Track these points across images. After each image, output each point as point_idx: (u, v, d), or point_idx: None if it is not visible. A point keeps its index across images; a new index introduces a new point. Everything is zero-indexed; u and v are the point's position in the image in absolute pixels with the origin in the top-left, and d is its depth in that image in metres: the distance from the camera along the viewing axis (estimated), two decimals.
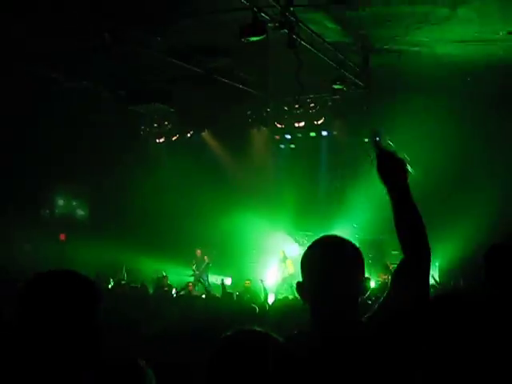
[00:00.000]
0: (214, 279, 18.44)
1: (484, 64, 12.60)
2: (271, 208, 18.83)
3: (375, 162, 2.58)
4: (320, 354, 2.38)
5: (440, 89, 14.42)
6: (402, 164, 2.58)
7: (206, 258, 18.76)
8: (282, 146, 19.30)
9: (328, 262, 2.48)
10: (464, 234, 14.06)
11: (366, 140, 14.72)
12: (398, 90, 15.01)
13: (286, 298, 12.44)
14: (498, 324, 2.43)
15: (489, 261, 3.91)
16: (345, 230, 18.87)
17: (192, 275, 18.67)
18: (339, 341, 2.40)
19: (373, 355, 2.36)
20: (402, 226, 2.55)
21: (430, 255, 2.54)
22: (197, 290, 15.66)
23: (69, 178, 20.53)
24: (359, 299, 2.48)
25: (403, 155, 2.62)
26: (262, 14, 9.33)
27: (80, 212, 21.86)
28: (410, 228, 2.53)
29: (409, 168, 2.59)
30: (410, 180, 2.58)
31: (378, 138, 2.59)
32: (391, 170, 2.57)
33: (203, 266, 18.74)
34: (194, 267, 18.82)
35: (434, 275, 13.61)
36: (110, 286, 13.87)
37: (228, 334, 1.83)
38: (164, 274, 17.67)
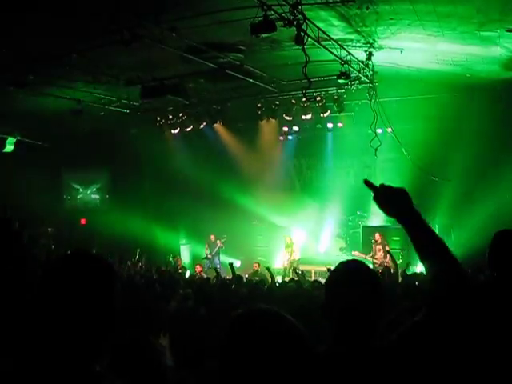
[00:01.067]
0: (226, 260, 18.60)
1: (483, 60, 12.53)
2: (279, 195, 18.90)
3: (376, 201, 2.48)
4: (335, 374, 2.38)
5: (441, 83, 14.37)
6: (401, 192, 2.46)
7: (218, 242, 18.85)
8: (290, 137, 19.31)
9: (350, 288, 2.50)
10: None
11: (369, 131, 14.74)
12: (401, 85, 14.98)
13: (292, 280, 12.56)
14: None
15: (492, 247, 3.90)
16: (349, 216, 18.97)
17: (204, 258, 18.80)
18: (355, 364, 2.40)
19: (387, 373, 2.36)
20: (424, 256, 2.41)
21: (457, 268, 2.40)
22: (206, 273, 15.76)
23: (88, 166, 20.68)
24: (378, 320, 2.51)
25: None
26: (272, 12, 9.33)
27: (99, 198, 21.95)
28: (433, 255, 2.39)
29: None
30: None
31: (370, 184, 2.49)
32: (391, 201, 2.46)
33: (216, 250, 18.85)
34: (207, 251, 18.93)
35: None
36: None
37: (240, 312, 1.82)
38: (178, 257, 17.80)
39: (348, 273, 2.59)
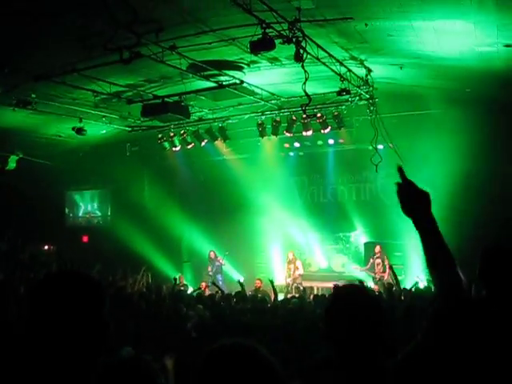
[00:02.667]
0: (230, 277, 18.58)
1: (482, 75, 12.54)
2: (281, 211, 18.87)
3: (398, 194, 2.45)
4: None
5: (441, 98, 14.37)
6: (425, 195, 2.44)
7: (219, 259, 18.79)
8: (292, 154, 19.31)
9: (350, 313, 2.48)
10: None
11: (370, 148, 14.73)
12: (401, 100, 15.01)
13: (294, 297, 12.49)
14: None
15: (483, 260, 3.88)
16: (351, 232, 18.93)
17: (206, 275, 18.75)
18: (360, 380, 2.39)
19: None
20: (432, 265, 2.41)
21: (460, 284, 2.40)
22: (210, 290, 15.71)
23: (90, 183, 20.71)
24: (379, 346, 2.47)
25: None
26: (271, 30, 9.36)
27: (101, 215, 21.96)
28: (441, 267, 2.38)
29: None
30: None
31: (402, 173, 2.44)
32: (415, 201, 2.43)
33: (217, 267, 18.78)
34: (208, 268, 18.87)
35: None
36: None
37: (215, 346, 1.81)
38: (180, 275, 17.74)
39: (347, 300, 2.55)
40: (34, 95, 13.23)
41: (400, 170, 2.45)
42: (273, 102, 15.49)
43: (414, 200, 2.42)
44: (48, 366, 1.88)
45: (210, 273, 18.72)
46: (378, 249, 16.77)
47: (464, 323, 2.41)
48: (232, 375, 1.69)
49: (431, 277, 2.41)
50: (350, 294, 2.59)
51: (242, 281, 14.17)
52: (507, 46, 10.48)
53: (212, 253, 18.95)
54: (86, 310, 1.97)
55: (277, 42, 9.48)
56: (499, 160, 14.77)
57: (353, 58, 12.13)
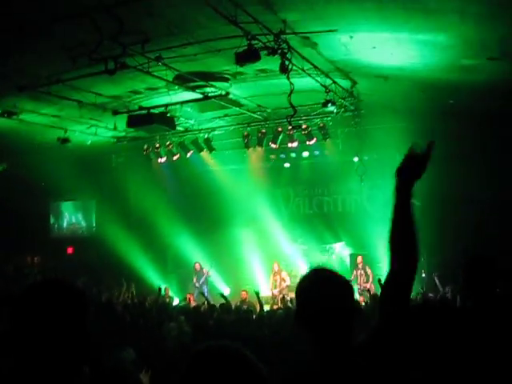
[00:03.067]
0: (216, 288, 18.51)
1: (466, 88, 12.67)
2: (267, 223, 18.87)
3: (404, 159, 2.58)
4: (320, 378, 2.38)
5: (425, 109, 14.48)
6: (421, 167, 2.57)
7: (205, 270, 18.73)
8: (277, 165, 19.33)
9: (321, 294, 2.48)
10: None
11: (355, 159, 14.82)
12: (386, 112, 15.11)
13: (280, 308, 12.47)
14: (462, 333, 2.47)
15: (466, 271, 3.95)
16: (336, 244, 18.97)
17: (193, 286, 18.67)
18: (337, 365, 2.39)
19: (369, 377, 2.34)
20: (396, 235, 2.53)
21: (416, 268, 2.52)
22: (196, 301, 15.64)
23: (75, 194, 20.61)
24: (352, 324, 2.47)
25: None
26: (257, 41, 9.40)
27: (86, 226, 21.85)
28: (405, 238, 2.52)
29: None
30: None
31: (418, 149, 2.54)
32: (410, 167, 2.57)
33: (203, 279, 18.71)
34: (194, 280, 18.81)
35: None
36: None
37: (200, 348, 1.80)
38: (166, 286, 17.65)
39: (319, 279, 2.55)
40: (18, 105, 13.17)
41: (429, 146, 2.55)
42: (258, 113, 15.53)
43: (410, 167, 2.56)
44: (31, 375, 1.86)
45: (196, 284, 18.65)
46: (359, 259, 16.82)
47: (447, 332, 2.44)
48: (218, 376, 1.68)
49: (390, 251, 2.49)
50: (322, 274, 2.58)
51: (225, 294, 14.13)
52: (490, 58, 10.60)
53: (197, 264, 18.90)
54: (70, 318, 1.96)
55: (262, 53, 9.52)
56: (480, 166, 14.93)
57: (338, 69, 12.19)
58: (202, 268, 18.82)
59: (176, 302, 16.09)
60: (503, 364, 3.08)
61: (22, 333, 1.92)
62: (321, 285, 2.50)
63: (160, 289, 15.16)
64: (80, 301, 2.03)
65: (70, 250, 21.15)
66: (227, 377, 1.68)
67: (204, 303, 12.62)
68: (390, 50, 10.59)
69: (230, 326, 9.67)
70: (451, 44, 10.01)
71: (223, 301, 12.29)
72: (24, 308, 1.95)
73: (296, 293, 2.56)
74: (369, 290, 13.87)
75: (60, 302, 1.97)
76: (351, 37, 9.91)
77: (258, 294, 12.86)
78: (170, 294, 17.41)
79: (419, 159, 2.54)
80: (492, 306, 3.71)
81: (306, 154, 17.92)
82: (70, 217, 22.02)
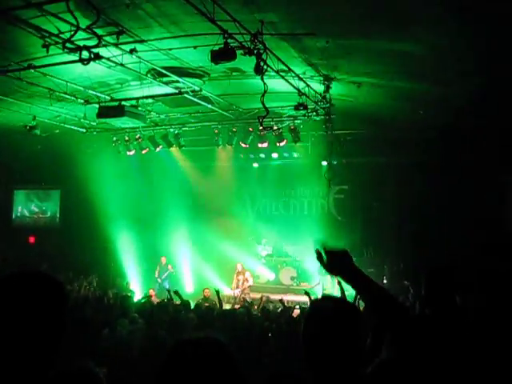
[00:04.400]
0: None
1: (435, 99, 12.87)
2: (232, 222, 18.90)
3: (322, 264, 2.66)
4: None
5: (395, 118, 14.67)
6: (343, 253, 2.65)
7: (170, 266, 18.66)
8: (246, 165, 19.38)
9: (324, 329, 2.42)
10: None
11: (324, 163, 14.94)
12: (357, 118, 15.26)
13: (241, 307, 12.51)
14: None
15: (427, 279, 4.06)
16: (305, 245, 19.09)
17: (155, 280, 18.58)
18: None
19: None
20: (372, 308, 2.62)
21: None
22: (158, 297, 15.55)
23: (41, 183, 20.33)
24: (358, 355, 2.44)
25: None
26: (233, 41, 9.39)
27: (50, 216, 21.56)
28: (380, 307, 2.58)
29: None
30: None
31: (320, 250, 2.66)
32: (335, 263, 2.64)
33: (166, 274, 18.63)
34: (156, 273, 18.72)
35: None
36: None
37: (180, 339, 1.81)
38: (127, 281, 17.55)
39: (324, 314, 2.50)
40: None
41: (318, 253, 2.65)
42: (230, 111, 15.52)
43: (336, 263, 2.63)
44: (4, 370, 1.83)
45: (158, 279, 18.57)
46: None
47: (414, 339, 2.51)
48: (195, 370, 1.69)
49: (380, 319, 2.61)
50: (326, 308, 2.53)
51: (189, 291, 14.09)
52: (462, 74, 10.82)
53: (163, 258, 18.85)
54: (48, 310, 1.92)
55: (238, 52, 9.52)
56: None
57: (312, 73, 12.26)
58: (167, 263, 18.76)
59: (138, 296, 15.95)
60: (459, 370, 3.16)
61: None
62: (327, 327, 2.44)
63: (128, 283, 15.10)
64: (59, 292, 2.00)
65: (31, 240, 20.84)
66: (207, 367, 1.69)
67: (168, 300, 12.56)
68: (364, 57, 10.70)
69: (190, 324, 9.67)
70: (425, 55, 10.16)
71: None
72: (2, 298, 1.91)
73: (303, 327, 2.50)
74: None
75: (40, 292, 1.94)
76: (327, 42, 9.98)
77: (218, 292, 12.87)
78: (132, 288, 17.29)
79: (335, 254, 2.64)
80: (450, 315, 3.80)
81: (275, 155, 18.01)
82: (34, 205, 21.70)
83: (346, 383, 2.38)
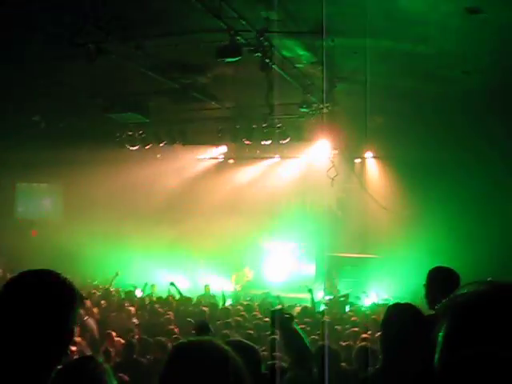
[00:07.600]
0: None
1: (441, 98, 12.87)
2: (235, 218, 18.88)
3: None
4: None
5: (398, 116, 14.66)
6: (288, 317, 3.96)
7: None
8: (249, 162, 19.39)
9: (400, 327, 3.13)
10: None
11: (328, 161, 14.92)
12: (360, 118, 15.22)
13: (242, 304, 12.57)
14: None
15: (429, 280, 4.13)
16: (301, 243, 19.14)
17: None
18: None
19: None
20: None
21: None
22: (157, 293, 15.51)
23: (42, 176, 20.35)
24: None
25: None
26: (239, 38, 9.41)
27: (52, 211, 21.59)
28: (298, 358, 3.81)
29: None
30: None
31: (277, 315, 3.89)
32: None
33: None
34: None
35: None
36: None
37: (180, 342, 1.84)
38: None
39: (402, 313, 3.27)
40: None
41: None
42: (235, 108, 15.51)
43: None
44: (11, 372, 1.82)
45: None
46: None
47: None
48: (196, 373, 1.70)
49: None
50: (406, 308, 3.29)
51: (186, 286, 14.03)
52: (464, 72, 10.82)
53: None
54: (58, 313, 1.91)
55: (244, 50, 9.54)
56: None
57: (317, 71, 12.25)
58: None
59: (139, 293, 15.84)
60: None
61: (7, 322, 1.87)
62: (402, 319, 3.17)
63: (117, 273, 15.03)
64: (71, 295, 1.98)
65: (33, 233, 20.86)
66: (206, 371, 1.71)
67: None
68: (371, 56, 10.69)
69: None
70: (430, 54, 10.18)
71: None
72: (10, 297, 1.90)
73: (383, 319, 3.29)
74: None
75: (51, 294, 1.93)
76: (333, 40, 9.99)
77: (222, 292, 12.94)
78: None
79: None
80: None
81: (278, 153, 18.00)
82: (38, 200, 21.74)
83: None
